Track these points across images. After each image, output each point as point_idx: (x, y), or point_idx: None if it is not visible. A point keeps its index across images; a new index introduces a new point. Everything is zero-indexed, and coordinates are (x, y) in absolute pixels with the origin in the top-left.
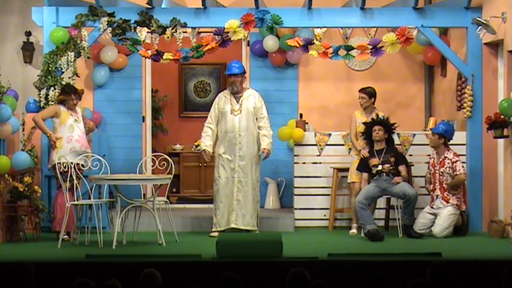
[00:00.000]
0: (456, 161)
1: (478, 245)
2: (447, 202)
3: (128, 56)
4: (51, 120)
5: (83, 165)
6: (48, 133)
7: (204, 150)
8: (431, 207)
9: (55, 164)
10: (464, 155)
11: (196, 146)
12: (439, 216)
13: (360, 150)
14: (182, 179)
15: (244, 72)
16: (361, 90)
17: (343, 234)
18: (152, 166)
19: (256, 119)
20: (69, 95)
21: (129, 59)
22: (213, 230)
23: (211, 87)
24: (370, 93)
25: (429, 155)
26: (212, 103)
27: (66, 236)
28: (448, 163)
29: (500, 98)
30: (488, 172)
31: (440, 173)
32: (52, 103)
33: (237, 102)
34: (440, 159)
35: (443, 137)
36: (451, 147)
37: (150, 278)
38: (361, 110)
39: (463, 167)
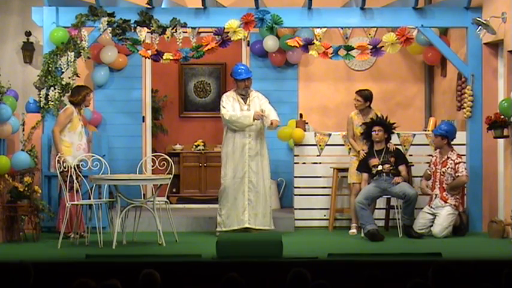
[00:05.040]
0: (459, 162)
1: (478, 245)
2: (445, 202)
3: (128, 56)
4: (55, 120)
5: (82, 166)
6: (61, 152)
7: (255, 112)
8: (430, 207)
9: (61, 168)
10: (464, 155)
11: (196, 146)
12: (438, 216)
13: (359, 151)
14: (182, 179)
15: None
16: (358, 92)
17: (343, 234)
18: (152, 166)
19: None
20: (88, 89)
21: (129, 59)
22: (217, 230)
23: (211, 87)
24: (365, 97)
25: (430, 155)
26: (211, 104)
27: (73, 235)
28: (451, 163)
29: (500, 98)
30: (488, 172)
31: (442, 173)
32: (52, 103)
33: (245, 103)
34: (443, 159)
35: (446, 137)
36: (454, 147)
37: (150, 278)
38: (356, 112)
39: (465, 169)
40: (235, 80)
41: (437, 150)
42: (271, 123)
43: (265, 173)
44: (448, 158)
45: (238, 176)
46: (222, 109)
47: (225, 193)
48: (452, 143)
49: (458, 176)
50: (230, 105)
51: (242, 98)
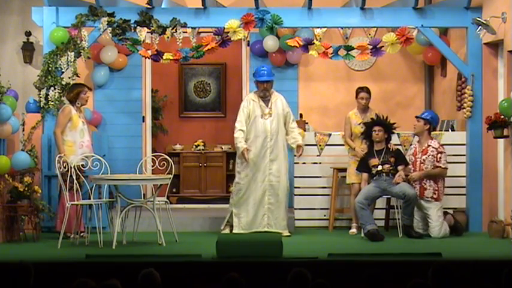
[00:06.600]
0: (442, 152)
1: (478, 245)
2: (422, 194)
3: (128, 56)
4: (55, 120)
5: (83, 166)
6: (63, 153)
7: (246, 148)
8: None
9: (61, 168)
10: (464, 155)
11: (196, 146)
12: (430, 219)
13: (355, 147)
14: (182, 179)
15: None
16: (363, 89)
17: (343, 234)
18: (152, 166)
19: (284, 123)
20: (82, 87)
21: (129, 59)
22: (234, 231)
23: (211, 87)
24: (370, 93)
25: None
26: (211, 104)
27: (73, 235)
28: (432, 151)
29: (500, 98)
30: (488, 172)
31: (422, 161)
32: (52, 103)
33: (267, 106)
34: (423, 148)
35: (428, 123)
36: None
37: (149, 278)
38: (355, 111)
39: (446, 160)
40: (255, 81)
41: (417, 141)
42: (299, 147)
43: (286, 176)
44: (428, 145)
45: (260, 180)
46: (236, 122)
47: (244, 195)
48: (452, 142)
49: (438, 166)
50: (245, 114)
51: (263, 100)
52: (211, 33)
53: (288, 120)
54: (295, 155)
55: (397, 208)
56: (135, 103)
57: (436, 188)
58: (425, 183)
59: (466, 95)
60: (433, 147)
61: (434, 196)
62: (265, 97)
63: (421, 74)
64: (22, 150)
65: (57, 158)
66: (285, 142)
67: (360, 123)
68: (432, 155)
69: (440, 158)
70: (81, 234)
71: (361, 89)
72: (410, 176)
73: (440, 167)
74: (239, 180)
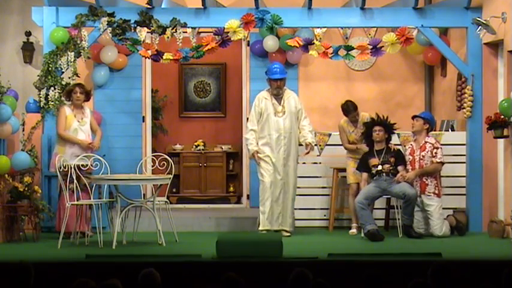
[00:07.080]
0: (438, 147)
1: (478, 245)
2: (423, 191)
3: (128, 56)
4: (55, 120)
5: (83, 166)
6: (79, 141)
7: (256, 151)
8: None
9: (61, 168)
10: (464, 155)
11: (196, 146)
12: (432, 216)
13: (357, 147)
14: (182, 179)
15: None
16: (352, 110)
17: (343, 234)
18: (152, 166)
19: (297, 118)
20: (74, 87)
21: (129, 59)
22: (263, 228)
23: (211, 87)
24: (355, 107)
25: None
26: (211, 104)
27: (73, 235)
28: (430, 147)
29: (500, 98)
30: (488, 172)
31: (421, 157)
32: (52, 103)
33: (279, 104)
34: (421, 145)
35: (428, 122)
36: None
37: (149, 277)
38: (346, 119)
39: (442, 155)
40: (268, 79)
41: (413, 141)
42: (308, 145)
43: (296, 174)
44: (425, 142)
45: (275, 178)
46: (248, 121)
47: (266, 193)
48: (452, 142)
49: (434, 161)
50: (257, 113)
51: (276, 98)
52: (211, 33)
53: (300, 117)
54: (298, 155)
55: (397, 208)
56: (135, 103)
57: (437, 184)
58: (426, 179)
59: (466, 95)
60: (430, 143)
61: (436, 192)
62: (278, 95)
63: (421, 74)
64: (22, 150)
65: (56, 158)
66: (297, 140)
67: (353, 131)
68: (430, 150)
69: (436, 153)
70: (87, 233)
71: (347, 107)
72: (407, 177)
73: (436, 161)
74: (261, 178)
